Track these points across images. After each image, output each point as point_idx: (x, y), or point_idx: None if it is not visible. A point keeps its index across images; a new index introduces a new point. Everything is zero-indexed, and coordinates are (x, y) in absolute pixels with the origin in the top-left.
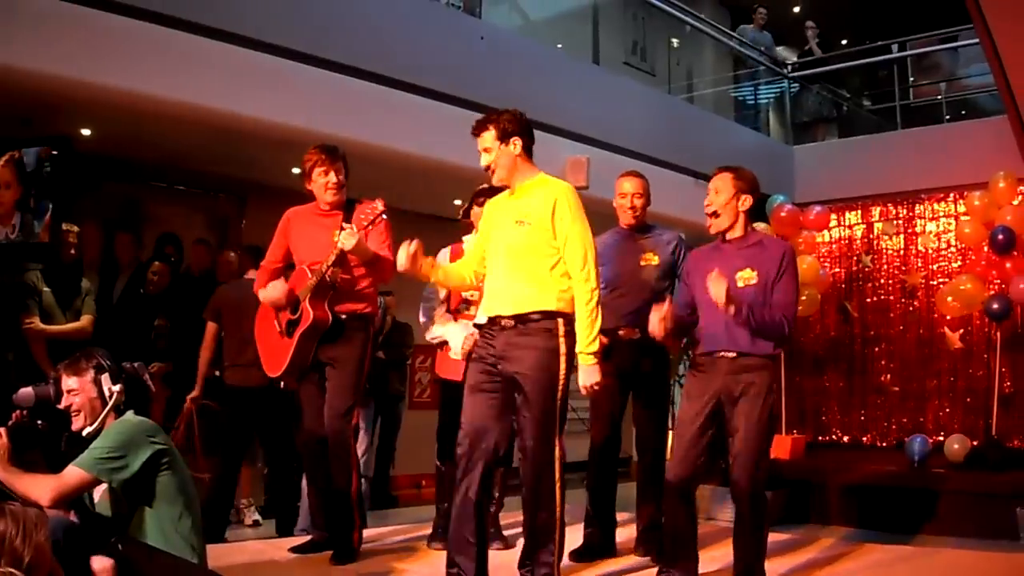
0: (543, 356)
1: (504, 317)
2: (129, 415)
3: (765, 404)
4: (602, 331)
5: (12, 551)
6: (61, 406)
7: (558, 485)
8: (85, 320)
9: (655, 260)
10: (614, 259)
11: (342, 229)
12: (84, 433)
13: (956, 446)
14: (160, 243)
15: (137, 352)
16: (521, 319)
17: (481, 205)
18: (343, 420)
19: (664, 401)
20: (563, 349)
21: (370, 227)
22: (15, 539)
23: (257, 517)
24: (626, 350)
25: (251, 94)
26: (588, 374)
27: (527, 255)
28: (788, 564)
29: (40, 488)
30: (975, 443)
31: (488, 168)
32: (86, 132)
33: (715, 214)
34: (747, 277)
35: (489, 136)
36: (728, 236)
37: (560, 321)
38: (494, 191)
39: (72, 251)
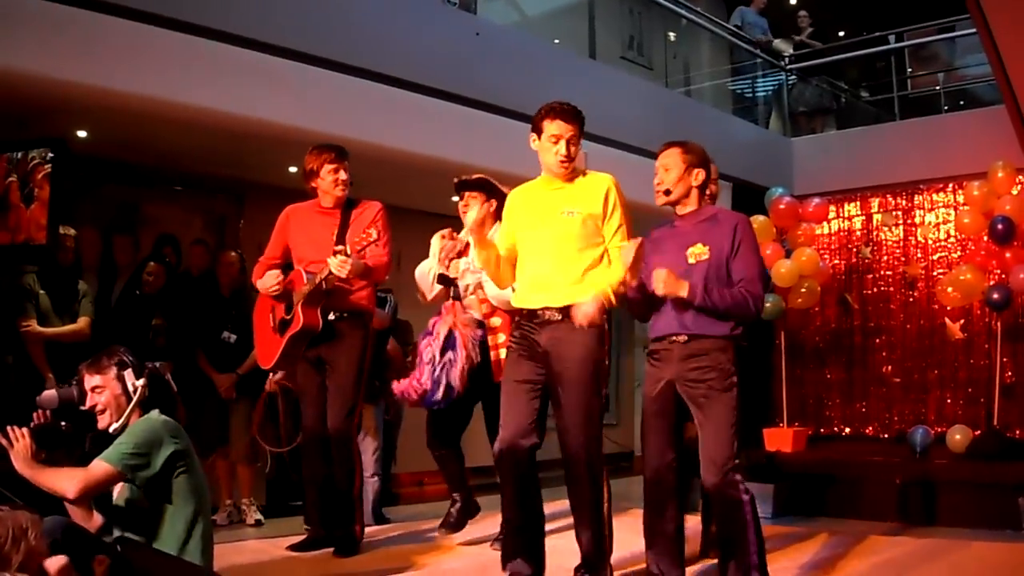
0: (590, 351)
1: (551, 309)
2: (154, 414)
3: (726, 391)
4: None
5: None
6: (86, 406)
7: (606, 482)
8: (83, 322)
9: (705, 252)
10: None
11: (335, 254)
12: (111, 430)
13: (958, 437)
14: (158, 244)
15: (136, 352)
16: (568, 312)
17: (463, 198)
18: (345, 420)
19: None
20: (607, 345)
21: (363, 251)
22: (4, 542)
23: (259, 516)
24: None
25: (247, 94)
26: (590, 306)
27: (577, 246)
28: (791, 558)
29: (67, 481)
30: (977, 433)
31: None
32: (82, 134)
33: (667, 192)
34: (698, 253)
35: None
36: (680, 212)
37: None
38: (476, 183)
39: (70, 255)
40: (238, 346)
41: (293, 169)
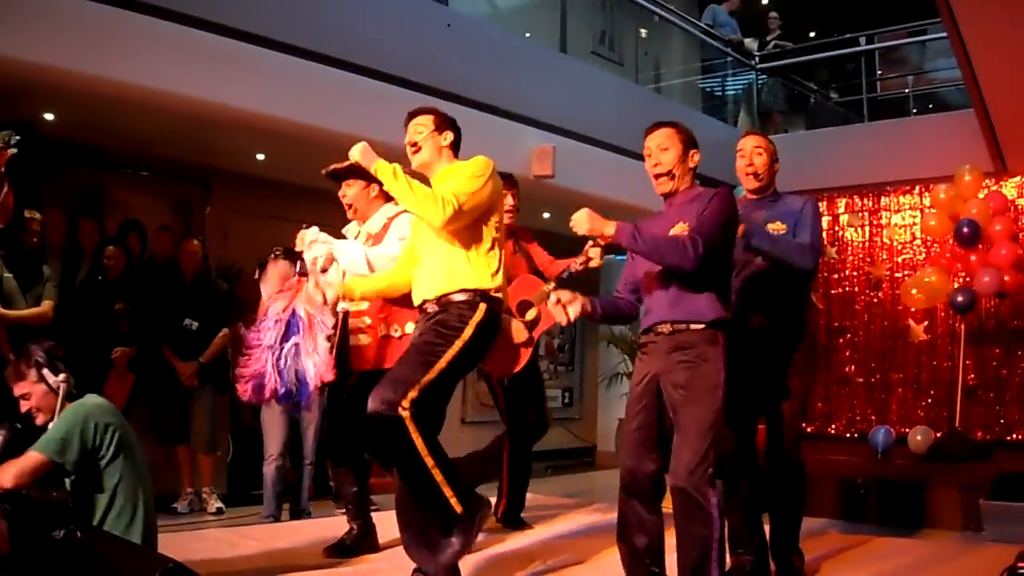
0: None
1: (428, 301)
2: (86, 398)
3: (708, 392)
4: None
5: None
6: (22, 411)
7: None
8: (46, 305)
9: (783, 228)
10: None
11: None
12: (49, 427)
13: (919, 438)
14: (124, 230)
15: (100, 337)
16: (442, 301)
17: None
18: None
19: (802, 396)
20: (471, 330)
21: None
22: None
23: (220, 504)
24: (755, 340)
25: (216, 80)
26: (362, 149)
27: (445, 237)
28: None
29: (2, 474)
30: (938, 434)
31: (414, 146)
32: (49, 117)
33: (669, 174)
34: (680, 231)
35: (422, 122)
36: (668, 194)
37: (480, 302)
38: (347, 171)
39: (35, 238)
40: (200, 333)
41: (261, 156)
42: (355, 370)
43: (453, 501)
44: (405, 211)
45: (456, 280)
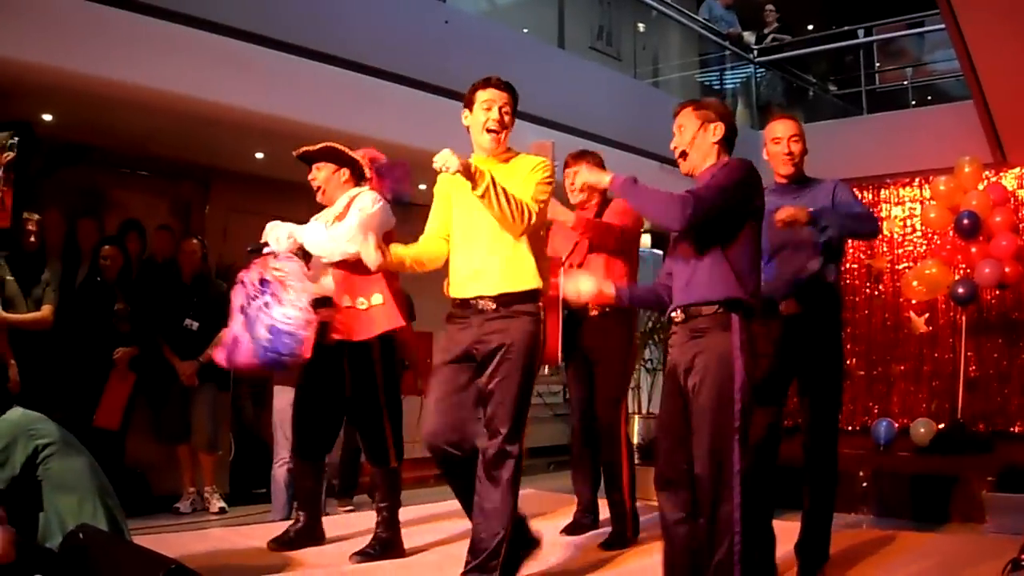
0: (527, 338)
1: (485, 299)
2: (10, 413)
3: (720, 386)
4: (762, 303)
5: None
6: None
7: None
8: (46, 310)
9: None
10: (769, 222)
11: None
12: None
13: (922, 430)
14: (123, 229)
15: (100, 337)
16: (504, 301)
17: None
18: None
19: (839, 389)
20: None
21: None
22: None
23: (223, 504)
24: (787, 326)
25: (215, 79)
26: (446, 155)
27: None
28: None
29: None
30: (941, 427)
31: (501, 124)
32: (47, 117)
33: (683, 154)
34: None
35: (509, 100)
36: (697, 173)
37: (541, 303)
38: (319, 154)
39: (33, 239)
40: (200, 333)
41: (259, 155)
42: (322, 343)
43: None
44: (365, 191)
45: (518, 278)
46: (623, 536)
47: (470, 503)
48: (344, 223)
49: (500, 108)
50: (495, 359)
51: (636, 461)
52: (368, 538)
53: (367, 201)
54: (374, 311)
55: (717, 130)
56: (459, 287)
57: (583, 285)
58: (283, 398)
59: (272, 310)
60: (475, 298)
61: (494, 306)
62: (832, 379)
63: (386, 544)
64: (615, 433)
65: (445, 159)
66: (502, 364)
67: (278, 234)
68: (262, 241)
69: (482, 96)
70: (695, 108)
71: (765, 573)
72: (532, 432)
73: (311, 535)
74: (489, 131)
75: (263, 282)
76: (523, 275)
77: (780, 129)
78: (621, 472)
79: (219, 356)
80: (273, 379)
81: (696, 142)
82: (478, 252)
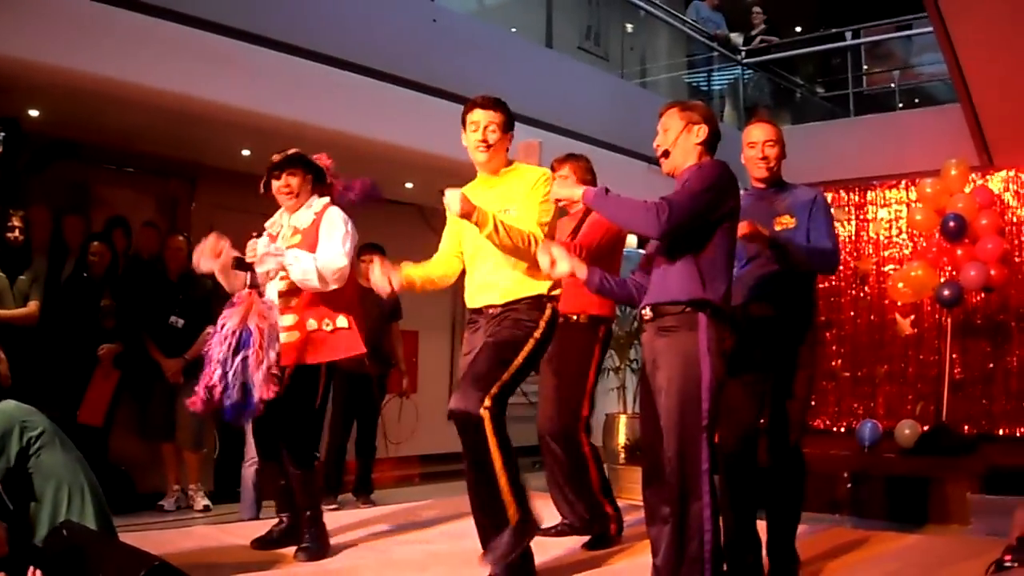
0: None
1: (494, 307)
2: (2, 405)
3: (685, 385)
4: (733, 308)
5: None
6: None
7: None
8: (32, 306)
9: (792, 223)
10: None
11: None
12: None
13: (907, 431)
14: (109, 226)
15: (85, 333)
16: (511, 307)
17: (278, 179)
18: None
19: (806, 390)
20: (540, 329)
21: None
22: None
23: (207, 502)
24: (759, 330)
25: (202, 76)
26: (453, 196)
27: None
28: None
29: None
30: (925, 428)
31: (487, 144)
32: (34, 113)
33: (665, 153)
34: None
35: (497, 117)
36: (676, 173)
37: (548, 305)
38: (290, 161)
39: (18, 234)
40: (185, 331)
41: (246, 152)
42: (284, 365)
43: (511, 510)
44: (331, 205)
45: (523, 288)
46: (606, 536)
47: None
48: (334, 262)
49: (485, 128)
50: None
51: (622, 461)
52: (351, 536)
53: (339, 222)
54: (339, 334)
55: (700, 132)
56: (472, 298)
57: (559, 259)
58: None
59: (249, 372)
60: (485, 307)
61: (500, 311)
62: (798, 379)
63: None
64: (575, 438)
65: (449, 201)
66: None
67: (269, 267)
68: (248, 259)
69: (470, 118)
70: (681, 109)
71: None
72: (519, 431)
73: (294, 535)
74: (478, 151)
75: (246, 328)
76: (529, 284)
77: (756, 134)
78: (589, 474)
79: (195, 403)
80: None
81: (679, 142)
82: (487, 267)
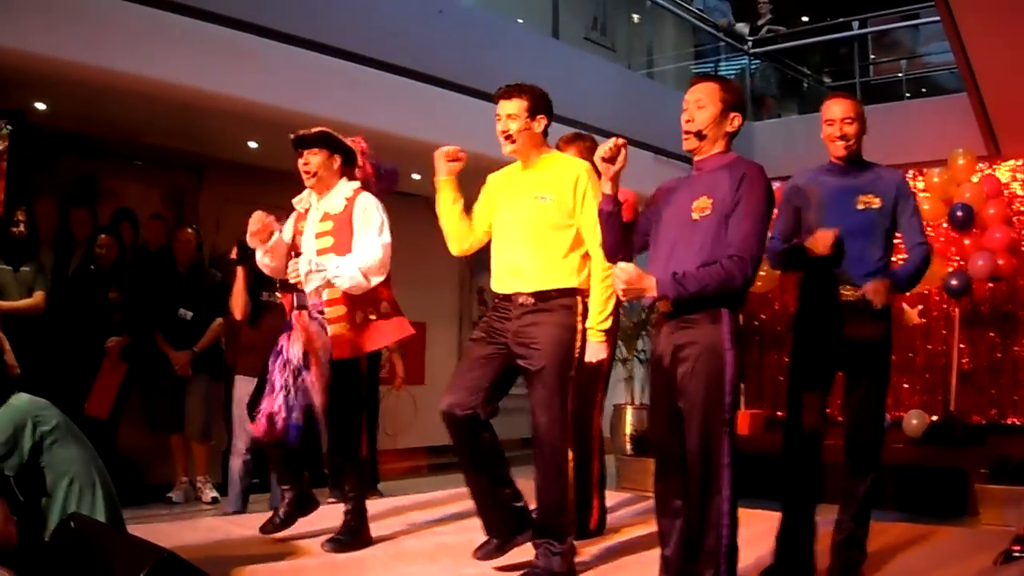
0: (561, 333)
1: (524, 294)
2: (15, 399)
3: (709, 377)
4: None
5: None
6: None
7: (570, 463)
8: (38, 296)
9: (877, 203)
10: (825, 202)
11: None
12: None
13: (915, 422)
14: (116, 218)
15: (93, 326)
16: (541, 296)
17: (301, 155)
18: None
19: (884, 382)
20: (580, 327)
21: None
22: None
23: (215, 494)
24: (845, 315)
25: (208, 68)
26: (596, 350)
27: (546, 231)
28: (745, 540)
29: None
30: (933, 419)
31: (506, 135)
32: (41, 106)
33: (699, 134)
34: (702, 207)
35: (517, 105)
36: (698, 157)
37: (578, 299)
38: (314, 139)
39: (22, 227)
40: (194, 323)
41: (253, 144)
42: (335, 359)
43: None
44: (361, 191)
45: (553, 278)
46: (584, 528)
47: (474, 478)
48: (372, 255)
49: (505, 119)
50: (531, 351)
51: (629, 452)
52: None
53: (373, 211)
54: (384, 321)
55: (735, 121)
56: (500, 283)
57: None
58: (243, 388)
59: (313, 393)
60: (514, 294)
61: (532, 301)
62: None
63: (354, 532)
64: (588, 425)
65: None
66: (535, 356)
67: (316, 284)
68: (291, 281)
69: (496, 110)
70: (722, 88)
71: (803, 567)
72: (517, 423)
73: (302, 507)
74: (503, 144)
75: (305, 354)
76: (561, 273)
77: (834, 110)
78: (592, 465)
79: (258, 428)
80: (236, 368)
81: (712, 127)
82: (517, 251)
